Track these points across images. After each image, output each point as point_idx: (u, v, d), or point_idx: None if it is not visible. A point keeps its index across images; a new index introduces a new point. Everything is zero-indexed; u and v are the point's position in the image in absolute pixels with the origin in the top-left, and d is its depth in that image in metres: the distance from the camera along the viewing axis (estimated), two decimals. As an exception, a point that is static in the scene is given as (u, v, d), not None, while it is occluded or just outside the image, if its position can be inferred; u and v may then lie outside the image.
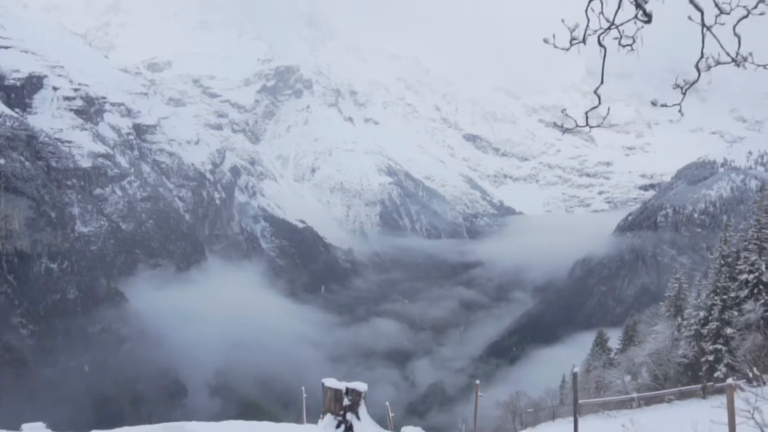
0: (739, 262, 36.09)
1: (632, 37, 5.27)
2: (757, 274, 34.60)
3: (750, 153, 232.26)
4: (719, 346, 33.73)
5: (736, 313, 34.42)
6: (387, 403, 19.52)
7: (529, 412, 35.58)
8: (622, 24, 5.15)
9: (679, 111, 5.98)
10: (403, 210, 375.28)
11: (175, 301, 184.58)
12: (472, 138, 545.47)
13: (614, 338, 60.22)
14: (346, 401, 10.52)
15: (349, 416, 10.40)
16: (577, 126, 6.03)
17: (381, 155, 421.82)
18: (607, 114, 6.13)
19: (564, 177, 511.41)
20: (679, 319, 39.63)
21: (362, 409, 10.55)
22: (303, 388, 25.34)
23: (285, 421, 21.58)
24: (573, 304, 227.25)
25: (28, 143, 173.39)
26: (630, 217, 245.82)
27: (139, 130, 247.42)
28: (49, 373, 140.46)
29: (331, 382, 10.69)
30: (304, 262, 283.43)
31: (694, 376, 33.95)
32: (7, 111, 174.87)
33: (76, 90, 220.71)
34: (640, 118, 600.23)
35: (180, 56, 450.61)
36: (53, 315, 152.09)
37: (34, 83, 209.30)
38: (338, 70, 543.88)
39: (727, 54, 5.32)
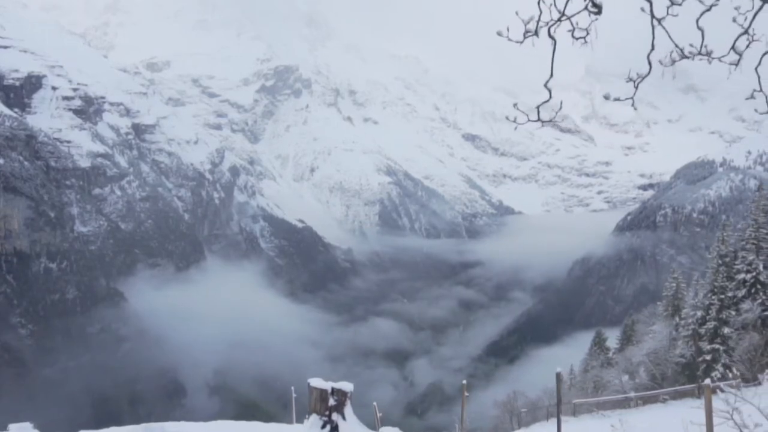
0: (736, 262, 36.16)
1: (586, 29, 5.21)
2: (754, 273, 34.66)
3: (749, 153, 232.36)
4: (717, 346, 33.79)
5: (733, 313, 34.48)
6: (374, 403, 19.43)
7: (523, 411, 35.63)
8: (573, 15, 5.07)
9: (632, 105, 5.90)
10: (402, 209, 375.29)
11: (174, 300, 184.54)
12: (471, 138, 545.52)
13: (613, 338, 60.30)
14: (331, 401, 10.41)
15: (335, 416, 10.32)
16: (529, 120, 5.95)
17: (380, 155, 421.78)
18: (560, 108, 6.08)
19: (563, 177, 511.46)
20: (677, 319, 39.70)
21: (348, 410, 10.51)
22: (293, 388, 25.29)
23: (284, 421, 21.65)
24: (572, 303, 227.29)
25: (27, 143, 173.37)
26: (629, 217, 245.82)
27: (138, 129, 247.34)
28: (48, 372, 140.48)
29: (317, 382, 10.64)
30: (303, 262, 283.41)
31: (691, 376, 34.01)
32: (6, 111, 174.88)
33: (75, 90, 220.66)
34: (639, 118, 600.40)
35: (179, 56, 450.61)
36: (52, 315, 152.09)
37: (33, 83, 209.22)
38: (337, 70, 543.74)
39: (679, 49, 5.27)
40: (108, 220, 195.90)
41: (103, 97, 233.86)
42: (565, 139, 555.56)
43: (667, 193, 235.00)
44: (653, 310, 49.84)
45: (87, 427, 14.77)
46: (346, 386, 10.57)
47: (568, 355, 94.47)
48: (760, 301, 33.70)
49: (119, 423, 15.02)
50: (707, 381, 9.74)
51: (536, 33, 5.19)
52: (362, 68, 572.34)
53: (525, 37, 5.27)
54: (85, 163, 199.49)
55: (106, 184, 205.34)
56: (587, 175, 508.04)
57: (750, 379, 25.54)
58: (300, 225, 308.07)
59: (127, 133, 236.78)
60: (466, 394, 21.26)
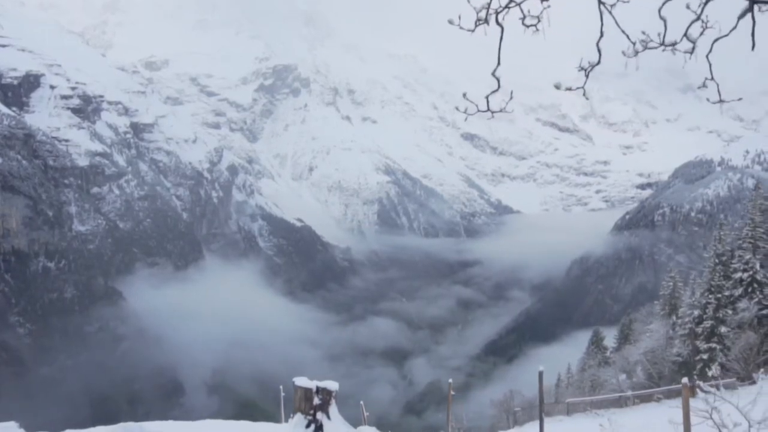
0: (733, 261, 36.27)
1: (537, 17, 5.14)
2: (751, 272, 34.78)
3: (747, 152, 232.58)
4: (713, 345, 33.90)
5: (730, 312, 34.59)
6: (361, 402, 19.40)
7: (516, 411, 35.69)
8: (522, 2, 5.02)
9: (584, 95, 5.72)
10: (400, 209, 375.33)
11: (173, 299, 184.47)
12: (469, 137, 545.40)
13: (611, 337, 60.37)
14: (316, 400, 10.32)
15: (320, 415, 10.22)
16: (479, 111, 5.90)
17: (379, 154, 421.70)
18: (511, 98, 5.87)
19: (561, 176, 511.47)
20: (674, 318, 39.80)
21: (333, 409, 10.43)
22: (281, 387, 25.29)
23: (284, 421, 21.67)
24: (570, 302, 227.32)
25: (25, 142, 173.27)
26: (627, 216, 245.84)
27: (137, 128, 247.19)
28: (47, 372, 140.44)
29: (302, 381, 10.52)
30: (301, 261, 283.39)
31: (688, 375, 34.09)
32: (5, 109, 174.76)
33: (73, 88, 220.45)
34: (638, 117, 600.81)
35: (178, 55, 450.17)
36: (50, 314, 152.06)
37: (31, 82, 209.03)
38: (336, 69, 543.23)
39: (628, 37, 5.20)
40: (106, 219, 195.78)
41: (101, 96, 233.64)
42: (564, 138, 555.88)
43: (666, 192, 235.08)
44: (651, 309, 49.95)
45: (85, 427, 14.78)
46: (331, 385, 10.51)
47: (566, 354, 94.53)
48: (756, 300, 33.81)
49: (117, 422, 15.03)
50: (684, 380, 9.79)
51: (487, 21, 5.11)
52: (361, 67, 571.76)
53: (476, 25, 5.19)
54: (83, 162, 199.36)
55: (105, 183, 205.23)
56: (586, 174, 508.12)
57: (745, 378, 25.63)
58: (298, 224, 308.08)
59: (125, 132, 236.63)
60: (452, 393, 21.24)
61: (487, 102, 5.90)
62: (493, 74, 5.75)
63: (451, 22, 5.27)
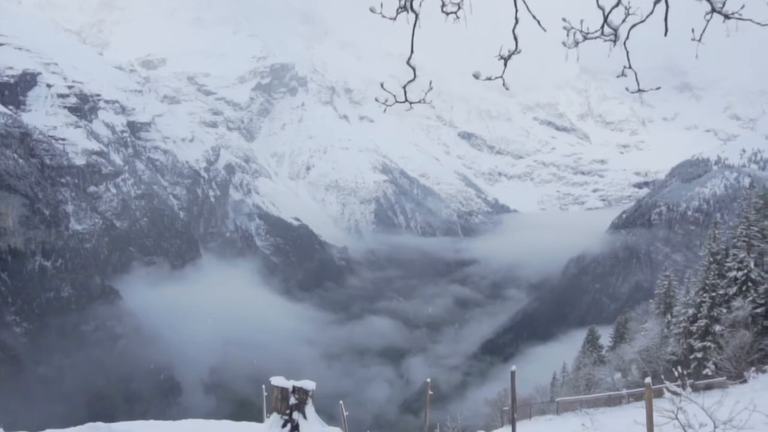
0: (728, 260, 36.40)
1: (458, 3, 5.12)
2: (745, 271, 34.91)
3: (743, 151, 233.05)
4: (708, 344, 34.03)
5: (724, 311, 34.70)
6: (341, 402, 19.29)
7: (505, 409, 35.78)
8: None
9: (504, 85, 5.58)
10: (398, 208, 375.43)
11: (170, 298, 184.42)
12: (466, 136, 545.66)
13: (607, 336, 60.49)
14: (292, 400, 10.28)
15: (296, 415, 10.19)
16: (396, 101, 5.92)
17: (376, 153, 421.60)
18: (430, 88, 5.80)
19: (558, 175, 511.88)
20: (669, 317, 39.93)
21: (309, 408, 10.34)
22: (263, 386, 25.32)
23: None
24: (567, 301, 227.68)
25: (21, 141, 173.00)
26: (624, 215, 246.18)
27: (134, 127, 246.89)
28: (43, 371, 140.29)
29: (278, 381, 10.47)
30: (299, 260, 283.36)
31: (682, 374, 34.18)
32: (1, 108, 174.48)
33: (70, 87, 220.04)
34: (635, 116, 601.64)
35: (175, 53, 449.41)
36: (47, 313, 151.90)
37: (27, 80, 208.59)
38: (333, 68, 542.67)
39: (540, 25, 5.19)
40: (103, 218, 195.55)
41: (98, 95, 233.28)
42: (561, 137, 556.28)
43: (662, 191, 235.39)
44: (646, 307, 50.06)
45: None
46: (308, 385, 10.46)
47: (563, 352, 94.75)
48: (751, 298, 33.93)
49: (114, 421, 15.12)
50: (647, 380, 9.87)
51: (407, 8, 5.09)
52: (358, 66, 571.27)
53: (398, 13, 5.17)
54: (80, 160, 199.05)
55: (101, 182, 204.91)
56: (582, 173, 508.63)
57: (737, 377, 25.77)
58: (296, 223, 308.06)
59: (122, 131, 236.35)
60: (430, 392, 21.15)
61: (405, 93, 5.92)
62: (408, 63, 5.74)
63: (372, 10, 5.23)
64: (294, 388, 10.45)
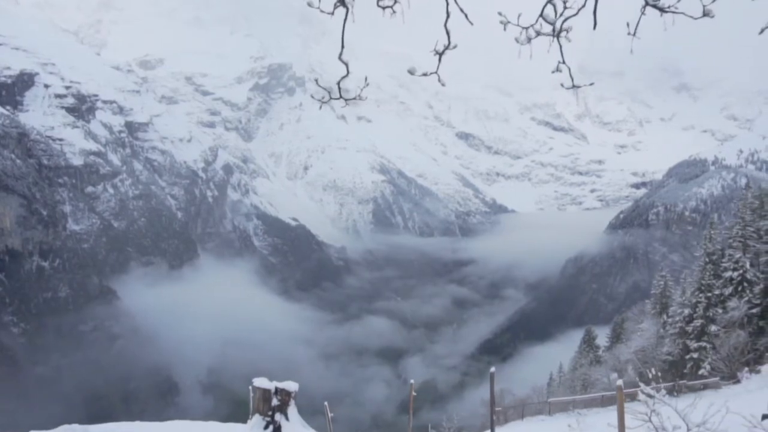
0: (723, 260, 36.54)
1: None
2: (741, 271, 35.05)
3: (741, 151, 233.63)
4: (703, 344, 34.17)
5: (720, 311, 34.84)
6: (326, 403, 19.19)
7: (498, 410, 35.88)
8: None
9: (439, 80, 5.57)
10: (395, 208, 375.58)
11: (168, 299, 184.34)
12: (464, 136, 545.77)
13: (605, 336, 60.63)
14: (275, 401, 10.18)
15: (278, 417, 10.09)
16: (331, 98, 5.95)
17: (374, 153, 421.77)
18: (366, 84, 5.84)
19: (556, 175, 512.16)
20: (665, 317, 40.06)
21: (292, 410, 10.16)
22: (250, 387, 25.27)
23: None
24: (565, 301, 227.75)
25: (19, 141, 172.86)
26: (622, 215, 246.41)
27: (132, 127, 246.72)
28: (41, 371, 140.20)
29: (261, 382, 10.37)
30: (296, 260, 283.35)
31: (679, 374, 34.38)
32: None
33: (67, 87, 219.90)
34: (632, 117, 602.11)
35: (172, 54, 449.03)
36: (45, 313, 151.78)
37: (25, 81, 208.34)
38: (331, 68, 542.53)
39: (467, 19, 5.11)
40: (101, 219, 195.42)
41: (95, 95, 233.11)
42: (558, 137, 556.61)
43: (660, 191, 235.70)
44: (642, 308, 50.20)
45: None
46: (291, 386, 10.39)
47: (560, 352, 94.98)
48: (746, 299, 34.07)
49: (112, 421, 15.21)
50: (619, 382, 9.95)
51: (342, 2, 5.05)
52: (355, 66, 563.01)
53: (335, 8, 5.15)
54: (77, 161, 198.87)
55: (99, 182, 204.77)
56: (580, 173, 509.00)
57: (730, 377, 25.92)
58: (293, 223, 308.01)
59: (120, 131, 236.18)
60: (414, 394, 21.10)
61: (339, 89, 6.02)
62: (339, 59, 5.72)
63: (310, 4, 5.17)
64: (276, 389, 10.37)
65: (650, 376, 9.42)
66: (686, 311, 36.66)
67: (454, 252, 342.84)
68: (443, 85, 5.51)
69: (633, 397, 28.69)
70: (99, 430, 12.33)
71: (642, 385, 7.76)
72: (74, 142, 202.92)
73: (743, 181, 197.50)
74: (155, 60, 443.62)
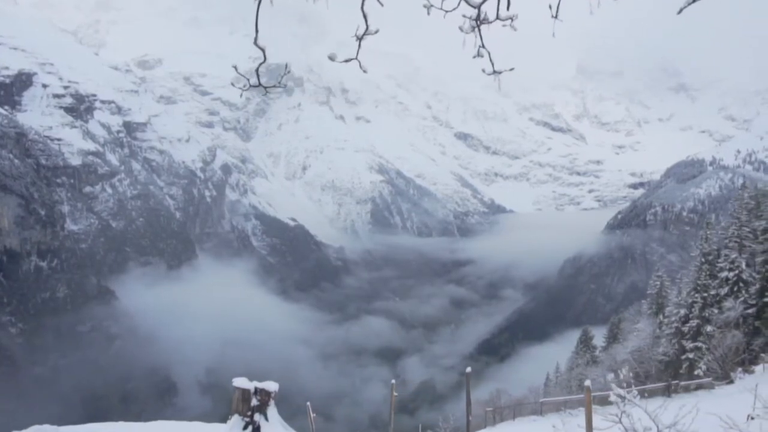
0: (719, 260, 36.70)
1: None
2: (737, 271, 35.21)
3: (738, 152, 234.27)
4: (699, 344, 34.31)
5: (716, 311, 34.98)
6: (308, 403, 19.17)
7: (488, 410, 36.04)
8: None
9: (360, 67, 5.61)
10: (394, 208, 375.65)
11: (166, 299, 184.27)
12: (463, 136, 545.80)
13: (602, 336, 60.75)
14: (254, 401, 10.16)
15: (257, 417, 10.07)
16: (251, 86, 5.88)
17: (372, 153, 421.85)
18: (287, 71, 5.94)
19: (554, 175, 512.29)
20: (661, 317, 40.21)
21: (271, 410, 10.19)
22: (234, 386, 25.27)
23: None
24: (563, 301, 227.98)
25: (17, 141, 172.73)
26: (619, 216, 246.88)
27: (130, 127, 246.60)
28: (39, 371, 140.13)
29: (240, 382, 10.35)
30: (295, 260, 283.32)
31: (674, 374, 34.52)
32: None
33: (66, 87, 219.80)
34: (630, 117, 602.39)
35: (171, 54, 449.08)
36: (43, 313, 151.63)
37: (23, 80, 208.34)
38: (329, 68, 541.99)
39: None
40: (99, 219, 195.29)
41: (94, 95, 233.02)
42: (557, 137, 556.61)
43: (658, 191, 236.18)
44: (639, 308, 50.33)
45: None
46: (271, 386, 10.34)
47: (558, 353, 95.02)
48: (742, 299, 34.21)
49: (111, 421, 15.33)
50: (587, 382, 10.05)
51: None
52: (354, 66, 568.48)
53: None
54: (75, 161, 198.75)
55: (97, 182, 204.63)
56: (578, 173, 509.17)
57: (723, 377, 26.06)
58: (292, 223, 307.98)
59: (118, 131, 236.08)
60: (395, 394, 21.08)
61: (258, 76, 5.79)
62: (255, 44, 5.55)
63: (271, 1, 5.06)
64: (256, 389, 10.34)
65: (621, 376, 9.42)
66: (682, 311, 36.80)
67: (452, 252, 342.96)
68: (365, 71, 5.51)
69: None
70: (70, 430, 12.30)
71: (614, 386, 7.83)
72: (72, 142, 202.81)
73: (741, 181, 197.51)
74: (154, 60, 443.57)
